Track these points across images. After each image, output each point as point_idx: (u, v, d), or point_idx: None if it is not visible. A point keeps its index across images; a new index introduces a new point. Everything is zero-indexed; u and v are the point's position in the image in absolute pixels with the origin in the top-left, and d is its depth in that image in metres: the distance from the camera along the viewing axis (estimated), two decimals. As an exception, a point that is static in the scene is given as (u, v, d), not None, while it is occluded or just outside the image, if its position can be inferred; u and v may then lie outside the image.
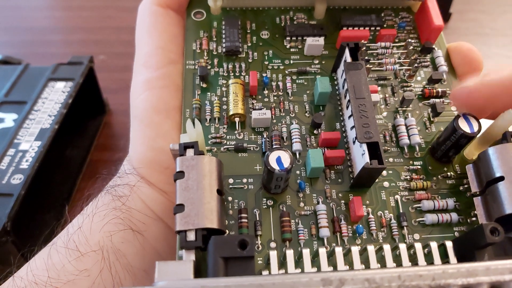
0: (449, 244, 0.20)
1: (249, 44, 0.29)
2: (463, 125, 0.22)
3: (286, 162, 0.21)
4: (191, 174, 0.20)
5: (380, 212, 0.23)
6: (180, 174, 0.20)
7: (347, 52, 0.25)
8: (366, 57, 0.27)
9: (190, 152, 0.20)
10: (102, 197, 0.26)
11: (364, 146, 0.22)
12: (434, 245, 0.20)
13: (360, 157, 0.23)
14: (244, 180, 0.24)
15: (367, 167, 0.21)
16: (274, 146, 0.24)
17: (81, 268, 0.23)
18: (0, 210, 0.33)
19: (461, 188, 0.24)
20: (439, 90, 0.27)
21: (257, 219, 0.23)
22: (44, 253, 0.24)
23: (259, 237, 0.22)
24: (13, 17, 0.61)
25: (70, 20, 0.61)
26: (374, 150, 0.22)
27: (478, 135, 0.23)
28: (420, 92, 0.27)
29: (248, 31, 0.29)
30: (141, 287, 0.16)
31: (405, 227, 0.23)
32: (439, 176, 0.24)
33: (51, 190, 0.41)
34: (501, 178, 0.21)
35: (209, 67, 0.28)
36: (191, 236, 0.19)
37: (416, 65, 0.27)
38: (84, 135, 0.48)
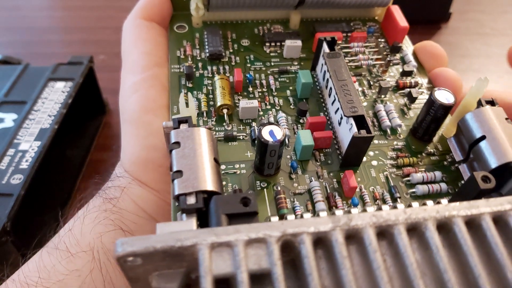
0: (444, 201, 0.21)
1: (231, 50, 0.30)
2: (440, 97, 0.24)
3: (279, 134, 0.21)
4: (186, 143, 0.20)
5: (372, 187, 0.24)
6: (175, 145, 0.20)
7: (325, 46, 0.27)
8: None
9: (184, 126, 0.21)
10: (93, 200, 0.26)
11: (351, 120, 0.23)
12: (430, 203, 0.20)
13: (348, 133, 0.23)
14: (236, 166, 0.24)
15: (356, 136, 0.22)
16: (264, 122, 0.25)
17: (72, 268, 0.23)
18: (0, 210, 0.32)
19: (445, 162, 0.25)
20: (412, 81, 0.29)
21: (253, 198, 0.22)
22: (36, 256, 0.24)
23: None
24: (13, 17, 0.61)
25: (70, 20, 0.61)
26: (360, 123, 0.23)
27: (454, 112, 0.25)
28: (394, 85, 0.29)
29: (229, 40, 0.31)
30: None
31: (398, 199, 0.23)
32: (423, 154, 0.25)
33: (51, 190, 0.40)
34: (483, 138, 0.22)
35: (194, 69, 0.29)
36: (191, 200, 0.18)
37: (388, 59, 0.30)
38: (84, 135, 0.47)
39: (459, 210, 0.16)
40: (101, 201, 0.26)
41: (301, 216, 0.20)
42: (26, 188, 0.34)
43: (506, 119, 0.22)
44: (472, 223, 0.16)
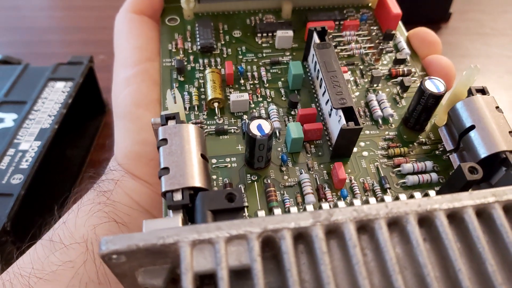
0: (432, 193, 0.21)
1: (223, 42, 0.30)
2: (430, 87, 0.24)
3: (267, 128, 0.21)
4: (174, 140, 0.20)
5: (362, 178, 0.24)
6: (163, 142, 0.20)
7: (315, 36, 0.27)
8: (334, 43, 0.29)
9: (172, 122, 0.21)
10: (87, 194, 0.27)
11: (340, 112, 0.23)
12: (418, 195, 0.20)
13: (337, 125, 0.23)
14: (227, 160, 0.24)
15: (344, 128, 0.22)
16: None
17: (65, 259, 0.23)
18: (0, 210, 0.32)
19: (437, 152, 0.25)
20: (405, 69, 0.29)
21: (242, 192, 0.22)
22: (31, 249, 0.24)
23: (246, 209, 0.22)
24: (13, 17, 0.61)
25: (70, 20, 0.61)
26: (349, 114, 0.23)
27: (445, 100, 0.25)
28: (387, 73, 0.29)
29: (221, 31, 0.31)
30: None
31: (388, 190, 0.23)
32: (414, 143, 0.25)
33: (51, 190, 0.40)
34: (472, 127, 0.22)
35: (185, 63, 0.29)
36: (177, 196, 0.18)
37: (381, 47, 0.29)
38: (84, 135, 0.47)
39: (441, 203, 0.16)
40: (95, 194, 0.26)
41: (289, 210, 0.20)
42: (26, 188, 0.34)
43: (497, 107, 0.22)
44: (455, 216, 0.16)
